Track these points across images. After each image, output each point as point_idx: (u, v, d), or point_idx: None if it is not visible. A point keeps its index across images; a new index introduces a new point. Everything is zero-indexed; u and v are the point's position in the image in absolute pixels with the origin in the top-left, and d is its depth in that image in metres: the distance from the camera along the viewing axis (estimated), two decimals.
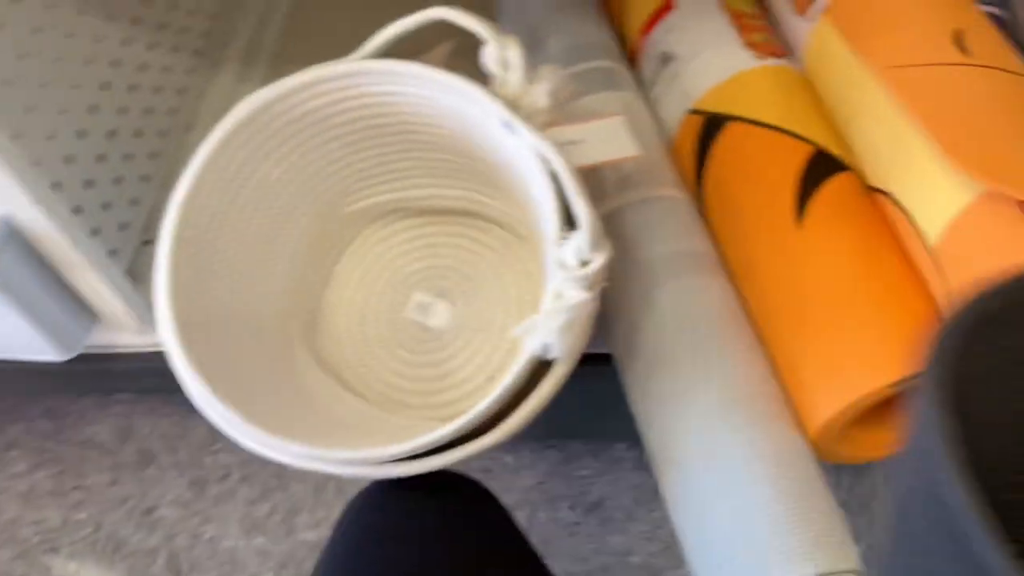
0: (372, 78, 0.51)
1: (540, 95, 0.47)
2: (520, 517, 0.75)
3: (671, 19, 0.63)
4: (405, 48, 0.51)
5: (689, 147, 0.58)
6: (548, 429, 0.77)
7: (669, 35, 0.63)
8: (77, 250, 0.62)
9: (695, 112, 0.58)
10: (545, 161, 0.45)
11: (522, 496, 0.75)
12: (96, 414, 0.93)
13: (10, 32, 0.60)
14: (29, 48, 0.61)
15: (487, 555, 0.45)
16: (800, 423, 0.47)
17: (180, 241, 0.48)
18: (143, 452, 0.88)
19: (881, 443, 0.49)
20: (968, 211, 0.41)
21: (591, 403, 0.69)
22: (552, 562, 0.73)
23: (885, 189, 0.47)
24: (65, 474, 0.90)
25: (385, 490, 0.48)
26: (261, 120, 0.51)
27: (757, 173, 0.53)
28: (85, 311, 0.69)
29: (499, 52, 0.47)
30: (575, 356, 0.45)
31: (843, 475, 0.73)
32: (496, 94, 0.47)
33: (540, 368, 0.44)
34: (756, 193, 0.52)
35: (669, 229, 0.54)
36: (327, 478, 0.78)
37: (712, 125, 0.57)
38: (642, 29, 0.65)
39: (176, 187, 0.49)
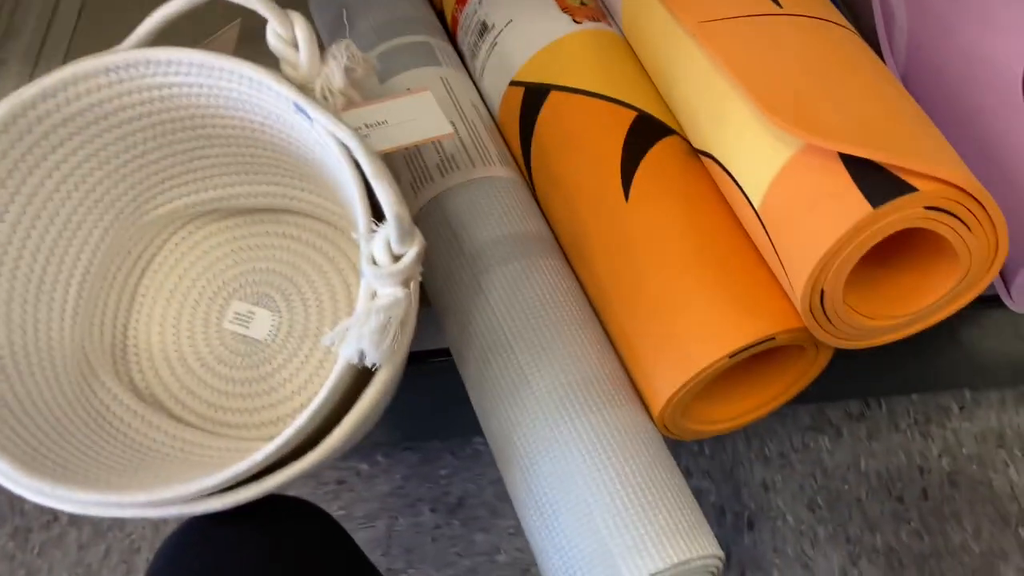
0: (150, 68, 0.45)
1: (334, 74, 0.42)
2: (380, 526, 0.71)
3: None
4: (188, 35, 0.46)
5: (513, 122, 0.55)
6: (402, 432, 0.73)
7: (484, 4, 0.60)
8: None
9: (516, 84, 0.55)
10: (345, 147, 0.41)
11: (380, 504, 0.71)
12: None
13: None
14: None
15: None
16: (644, 403, 0.45)
17: None
18: None
19: (730, 415, 0.47)
20: (788, 168, 0.39)
21: (441, 400, 0.66)
22: (417, 570, 0.70)
23: (709, 151, 0.46)
24: None
25: (204, 525, 0.43)
26: (22, 124, 0.45)
27: (581, 144, 0.50)
28: None
29: (284, 30, 0.43)
30: (399, 359, 0.41)
31: (704, 442, 0.73)
32: (286, 77, 0.43)
33: (367, 373, 0.40)
34: (581, 165, 0.49)
35: (496, 211, 0.50)
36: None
37: (534, 96, 0.54)
38: (458, 1, 0.62)
39: None
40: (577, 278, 0.50)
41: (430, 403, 0.68)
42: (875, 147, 0.37)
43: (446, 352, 0.57)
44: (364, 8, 0.62)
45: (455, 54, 0.62)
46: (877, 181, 0.37)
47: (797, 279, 0.39)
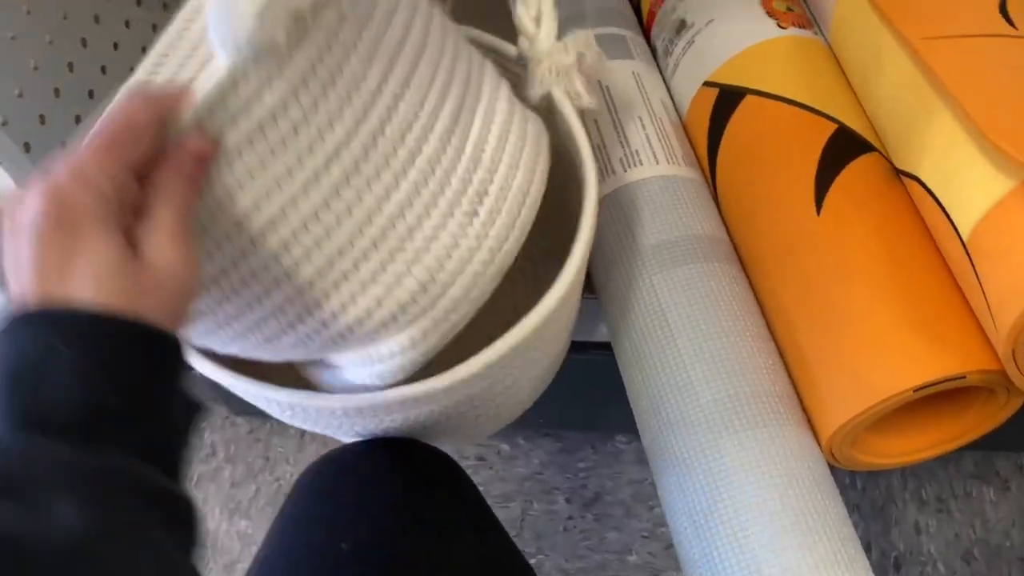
0: None
1: (565, 55, 0.45)
2: (514, 508, 0.71)
3: None
4: None
5: (702, 122, 0.54)
6: (545, 418, 0.73)
7: (685, 1, 0.59)
8: None
9: (710, 84, 0.54)
10: None
11: (516, 487, 0.72)
12: None
13: None
14: None
15: (453, 529, 0.42)
16: (812, 425, 0.43)
17: None
18: None
19: (901, 450, 0.45)
20: (1009, 200, 0.37)
21: (590, 392, 0.65)
22: (547, 557, 0.71)
23: (914, 173, 0.43)
24: None
25: (350, 454, 0.44)
26: None
27: (775, 152, 0.48)
28: None
29: (534, 6, 0.45)
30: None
31: (857, 474, 0.69)
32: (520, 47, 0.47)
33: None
34: (772, 174, 0.48)
35: (677, 211, 0.50)
36: (315, 456, 0.75)
37: (728, 99, 0.52)
38: None
39: None
40: (752, 288, 0.48)
41: (578, 393, 0.68)
42: None
43: (601, 346, 0.57)
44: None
45: (648, 49, 0.62)
46: None
47: (1004, 320, 0.36)
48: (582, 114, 0.47)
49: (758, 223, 0.48)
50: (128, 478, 0.27)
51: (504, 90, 0.42)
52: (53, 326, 0.29)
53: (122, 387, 0.29)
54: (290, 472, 0.77)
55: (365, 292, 0.36)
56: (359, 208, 0.35)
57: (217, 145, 0.33)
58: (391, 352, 0.39)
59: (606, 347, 0.54)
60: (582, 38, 0.47)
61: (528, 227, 0.40)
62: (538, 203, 0.41)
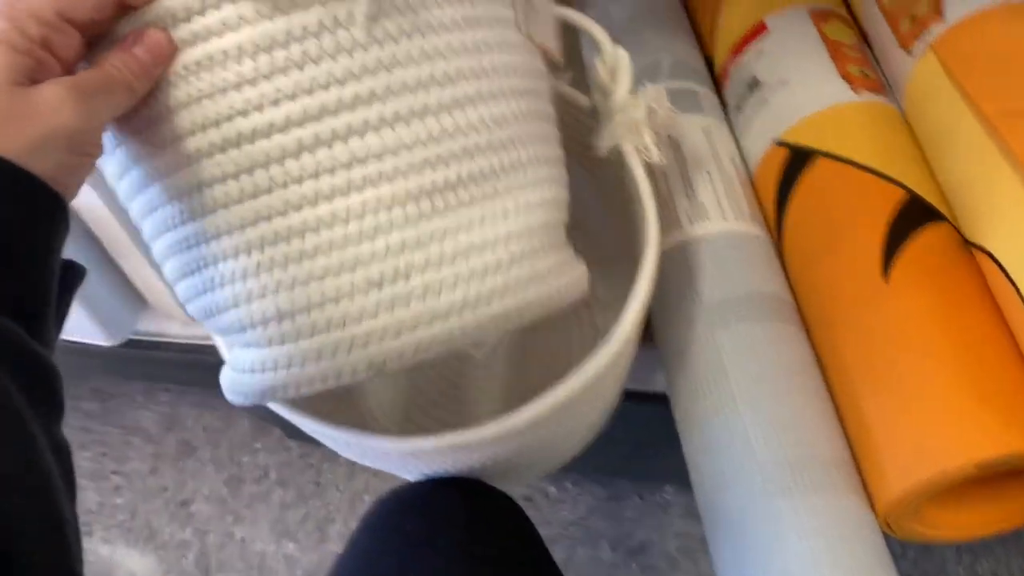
0: None
1: (640, 110, 0.45)
2: (558, 552, 0.71)
3: (763, 43, 0.59)
4: None
5: (772, 181, 0.54)
6: (594, 464, 0.74)
7: (760, 59, 0.59)
8: (130, 236, 0.61)
9: (781, 144, 0.54)
10: None
11: (562, 530, 0.72)
12: (143, 400, 0.92)
13: None
14: None
15: (516, 571, 0.42)
16: (869, 493, 0.43)
17: None
18: (184, 443, 0.87)
19: (960, 525, 0.44)
20: None
21: (642, 440, 0.66)
22: None
23: (985, 246, 0.43)
24: (107, 457, 0.89)
25: (416, 493, 0.45)
26: None
27: (844, 216, 0.48)
28: (135, 298, 0.69)
29: (609, 61, 0.46)
30: None
31: (910, 545, 0.68)
32: (594, 100, 0.48)
33: None
34: (840, 237, 0.48)
35: (741, 267, 0.50)
36: (364, 488, 0.76)
37: (798, 159, 0.53)
38: (732, 50, 0.62)
39: None
40: (814, 350, 0.48)
41: (629, 442, 0.68)
42: None
43: (657, 397, 0.57)
44: (637, 48, 0.63)
45: (718, 104, 0.62)
46: None
47: None
48: (650, 167, 0.48)
49: (823, 286, 0.48)
50: None
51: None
52: None
53: None
54: (339, 499, 0.78)
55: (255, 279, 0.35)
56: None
57: (172, 49, 0.32)
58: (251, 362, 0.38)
59: (662, 399, 0.54)
60: (654, 93, 0.48)
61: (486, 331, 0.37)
62: (513, 319, 0.37)
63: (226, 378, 0.39)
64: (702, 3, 0.67)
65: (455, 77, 0.35)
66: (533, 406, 0.38)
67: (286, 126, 0.33)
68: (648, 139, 0.48)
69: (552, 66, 0.43)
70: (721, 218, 0.52)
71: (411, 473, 0.46)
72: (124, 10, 0.33)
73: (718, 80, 0.65)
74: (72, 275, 0.32)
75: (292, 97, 0.33)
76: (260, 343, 0.36)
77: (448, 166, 0.35)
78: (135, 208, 0.38)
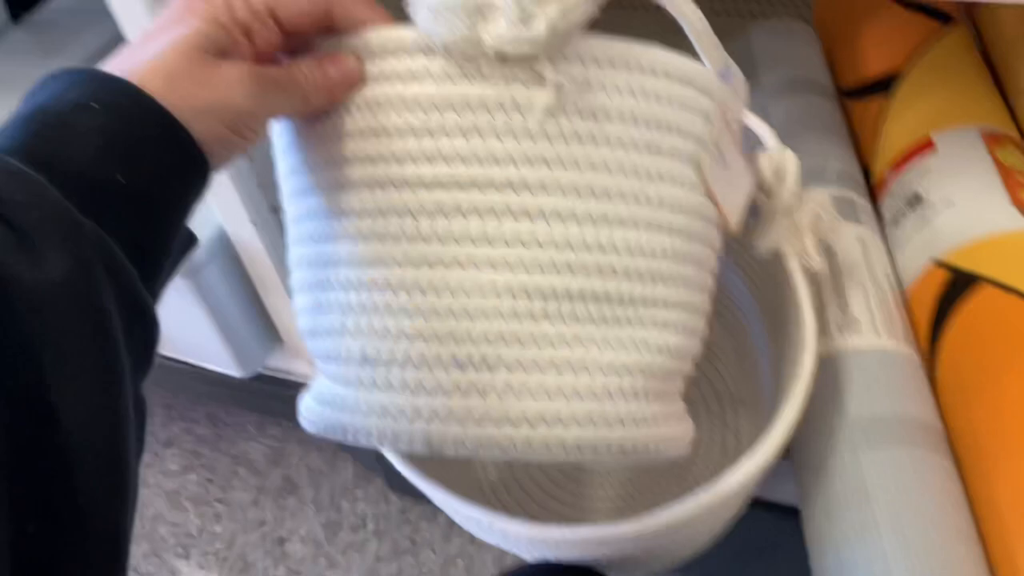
0: None
1: (804, 215, 0.44)
2: None
3: (929, 160, 0.58)
4: None
5: (928, 302, 0.52)
6: (703, 567, 0.71)
7: (924, 177, 0.58)
8: (279, 273, 0.63)
9: (942, 265, 0.53)
10: None
11: None
12: (254, 432, 0.95)
13: None
14: None
15: None
16: None
17: None
18: (288, 480, 0.88)
19: None
20: None
21: (749, 552, 0.63)
22: None
23: None
24: (212, 484, 0.91)
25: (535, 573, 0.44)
26: None
27: (1008, 349, 0.46)
28: (271, 334, 0.71)
29: (777, 161, 0.45)
30: None
31: None
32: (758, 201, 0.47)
33: None
34: (1006, 374, 0.46)
35: (892, 388, 0.48)
36: (459, 553, 0.75)
37: (960, 283, 0.51)
38: (893, 164, 0.61)
39: None
40: (964, 487, 0.46)
41: (736, 550, 0.66)
42: None
43: (783, 509, 0.55)
44: (797, 150, 0.62)
45: (873, 215, 0.61)
46: None
47: None
48: (807, 273, 0.47)
49: (981, 423, 0.46)
50: (112, 263, 0.27)
51: None
52: (97, 85, 0.28)
53: (136, 173, 0.28)
54: (433, 560, 0.78)
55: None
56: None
57: (360, 79, 0.34)
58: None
59: (786, 511, 0.52)
60: (819, 198, 0.47)
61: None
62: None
63: (305, 403, 0.40)
64: (863, 112, 0.67)
65: (615, 194, 0.34)
66: (677, 508, 0.38)
67: (448, 185, 0.34)
68: (810, 244, 0.47)
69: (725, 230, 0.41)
70: (873, 333, 0.51)
71: (527, 553, 0.45)
72: (327, 30, 0.35)
73: (874, 191, 0.63)
74: (186, 241, 0.33)
75: (458, 160, 0.34)
76: (350, 382, 0.36)
77: (575, 276, 0.34)
78: (290, 210, 0.39)
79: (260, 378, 0.75)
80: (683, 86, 0.36)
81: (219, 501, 0.89)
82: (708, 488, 0.39)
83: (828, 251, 0.55)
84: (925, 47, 0.64)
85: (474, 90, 0.33)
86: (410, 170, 0.34)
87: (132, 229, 0.28)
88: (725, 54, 0.39)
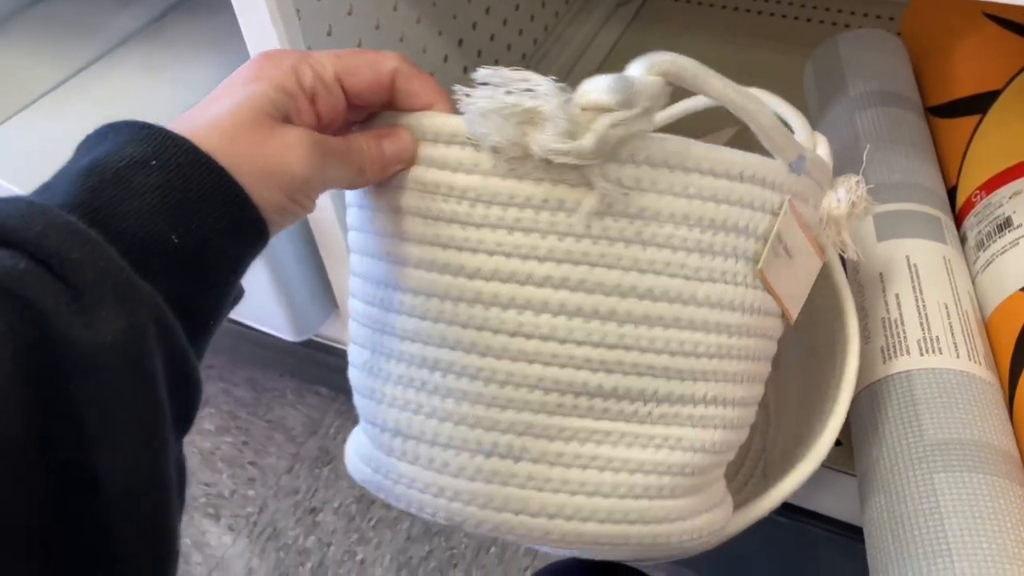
0: None
1: (840, 202, 0.42)
2: None
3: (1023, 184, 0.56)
4: (687, 129, 0.49)
5: (1010, 330, 0.51)
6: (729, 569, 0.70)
7: (1016, 200, 0.56)
8: (344, 240, 0.63)
9: None
10: None
11: None
12: (292, 399, 0.94)
13: None
14: None
15: None
16: None
17: None
18: (324, 451, 0.88)
19: None
20: None
21: (789, 562, 0.62)
22: None
23: None
24: (247, 447, 0.91)
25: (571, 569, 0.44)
26: None
27: None
28: (329, 300, 0.70)
29: (807, 145, 0.44)
30: None
31: None
32: None
33: None
34: None
35: (973, 413, 0.47)
36: (492, 540, 0.74)
37: None
38: (983, 185, 0.59)
39: None
40: None
41: (781, 564, 0.65)
42: None
43: (841, 525, 0.54)
44: (885, 165, 0.61)
45: (957, 236, 0.59)
46: None
47: None
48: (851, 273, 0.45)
49: None
50: (164, 325, 0.26)
51: None
52: (158, 143, 0.28)
53: (192, 234, 0.28)
54: (465, 545, 0.77)
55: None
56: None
57: (412, 158, 0.34)
58: None
59: (844, 526, 0.51)
60: (854, 185, 0.45)
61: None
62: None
63: (348, 452, 0.42)
64: (951, 131, 0.65)
65: (659, 295, 0.34)
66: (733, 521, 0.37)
67: (488, 276, 0.34)
68: (846, 234, 0.45)
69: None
70: (953, 355, 0.49)
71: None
72: (389, 106, 0.35)
73: (959, 212, 0.62)
74: (234, 296, 0.33)
75: (500, 253, 0.34)
76: (383, 447, 0.38)
77: (610, 374, 0.34)
78: (353, 260, 0.40)
79: (307, 343, 0.74)
80: (745, 183, 0.35)
81: (252, 465, 0.89)
82: (763, 498, 0.38)
83: (912, 267, 0.53)
84: (1022, 69, 0.62)
85: (521, 187, 0.33)
86: (454, 257, 0.34)
87: (185, 290, 0.28)
88: (797, 144, 0.37)
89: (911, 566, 0.42)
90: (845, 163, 0.62)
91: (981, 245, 0.57)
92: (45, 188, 0.27)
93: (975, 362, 0.49)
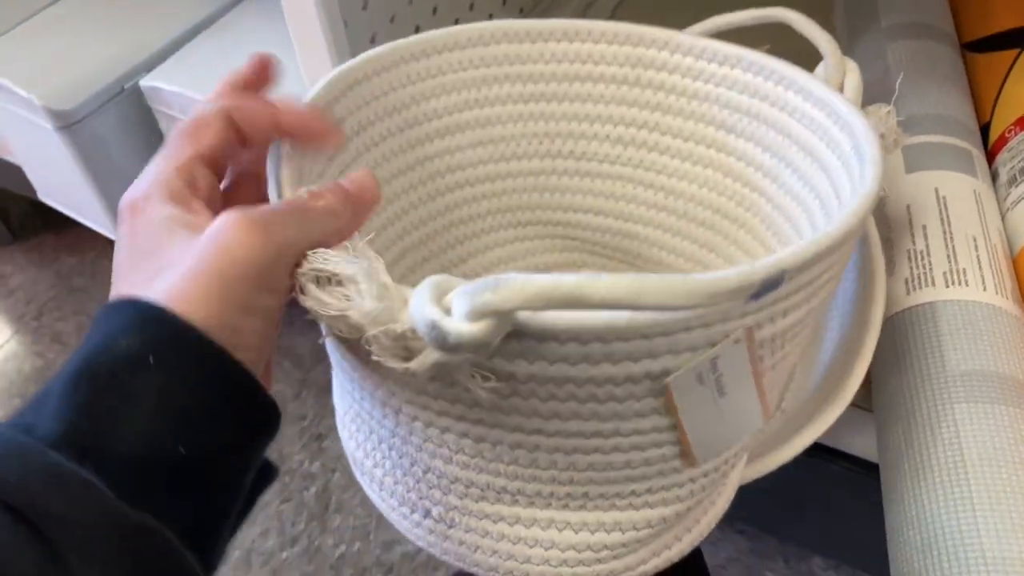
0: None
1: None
2: None
3: None
4: None
5: None
6: (746, 511, 0.70)
7: None
8: None
9: None
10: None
11: None
12: (302, 328, 0.94)
13: None
14: None
15: None
16: None
17: None
18: (331, 379, 0.88)
19: None
20: None
21: (808, 503, 0.61)
22: None
23: None
24: None
25: None
26: None
27: None
28: None
29: (837, 73, 0.42)
30: None
31: None
32: None
33: None
34: None
35: (996, 345, 0.45)
36: None
37: None
38: (1018, 121, 0.57)
39: None
40: None
41: (794, 500, 0.64)
42: None
43: (851, 459, 0.53)
44: (916, 97, 0.59)
45: (988, 171, 0.58)
46: None
47: None
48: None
49: None
50: (165, 564, 0.23)
51: None
52: (152, 332, 0.24)
53: (199, 442, 0.25)
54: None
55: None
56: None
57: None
58: None
59: (853, 460, 0.50)
60: (884, 116, 0.44)
61: None
62: None
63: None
64: (986, 66, 0.63)
65: (572, 433, 0.30)
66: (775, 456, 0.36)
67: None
68: None
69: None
70: (980, 288, 0.48)
71: None
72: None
73: (992, 148, 0.60)
74: (263, 477, 0.30)
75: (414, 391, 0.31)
76: (359, 467, 0.39)
77: (528, 482, 0.33)
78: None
79: None
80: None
81: None
82: (786, 445, 0.38)
83: (941, 200, 0.52)
84: None
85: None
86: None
87: (196, 506, 0.25)
88: (778, 267, 0.27)
89: (928, 495, 0.42)
90: (874, 96, 0.60)
91: (1013, 181, 0.55)
92: (38, 402, 0.24)
93: (1002, 296, 0.48)
